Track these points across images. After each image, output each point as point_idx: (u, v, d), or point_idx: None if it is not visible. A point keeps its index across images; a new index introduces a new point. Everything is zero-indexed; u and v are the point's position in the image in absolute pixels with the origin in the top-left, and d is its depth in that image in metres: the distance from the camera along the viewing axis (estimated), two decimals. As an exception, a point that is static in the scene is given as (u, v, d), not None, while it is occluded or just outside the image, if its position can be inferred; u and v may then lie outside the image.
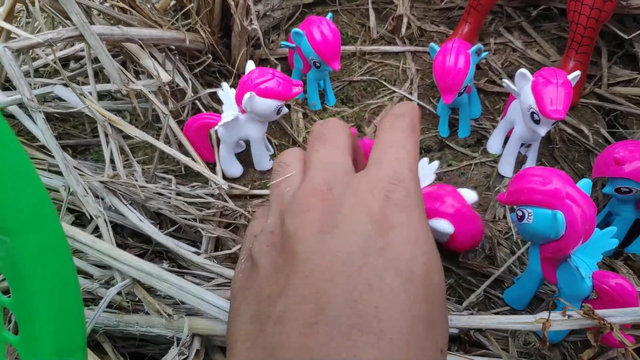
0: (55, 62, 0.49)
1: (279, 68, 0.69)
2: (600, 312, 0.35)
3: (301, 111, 0.64)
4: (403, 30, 0.71)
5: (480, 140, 0.60)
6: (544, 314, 0.34)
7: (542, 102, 0.44)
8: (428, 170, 0.47)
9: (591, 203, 0.36)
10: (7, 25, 0.38)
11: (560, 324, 0.35)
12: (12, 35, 0.57)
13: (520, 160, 0.55)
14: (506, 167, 0.54)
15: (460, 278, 0.47)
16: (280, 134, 0.62)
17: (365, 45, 0.72)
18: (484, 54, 0.54)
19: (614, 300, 0.37)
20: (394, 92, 0.66)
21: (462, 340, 0.40)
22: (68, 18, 0.47)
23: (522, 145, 0.53)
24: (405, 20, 0.71)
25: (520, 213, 0.38)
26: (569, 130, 0.58)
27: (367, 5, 0.77)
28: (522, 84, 0.47)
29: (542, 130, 0.46)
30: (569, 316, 0.35)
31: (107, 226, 0.48)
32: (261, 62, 0.72)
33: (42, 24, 0.43)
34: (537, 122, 0.46)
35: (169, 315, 0.41)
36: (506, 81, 0.50)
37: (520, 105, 0.47)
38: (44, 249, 0.25)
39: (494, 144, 0.56)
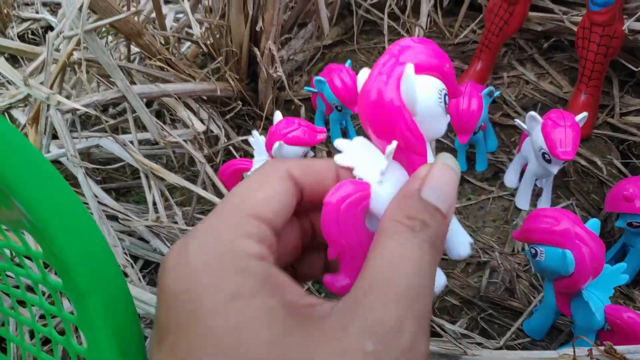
0: (103, 121, 0.54)
1: (302, 109, 0.74)
2: (622, 348, 0.37)
3: (325, 150, 0.68)
4: (419, 67, 0.75)
5: (497, 173, 0.62)
6: (567, 350, 0.37)
7: (552, 144, 0.47)
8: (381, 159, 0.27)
9: (599, 242, 0.39)
10: (60, 98, 0.43)
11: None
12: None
13: (537, 193, 0.58)
14: (523, 201, 0.56)
15: (483, 311, 0.50)
16: (307, 172, 0.66)
17: (384, 83, 0.76)
18: (496, 93, 0.57)
19: (627, 333, 0.39)
20: (413, 128, 0.69)
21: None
22: (109, 78, 0.52)
23: (536, 179, 0.56)
24: (420, 58, 0.75)
25: (533, 251, 0.41)
26: (583, 162, 0.60)
27: (383, 43, 0.81)
28: (533, 125, 0.50)
29: (554, 169, 0.49)
30: (596, 359, 0.36)
31: (137, 274, 0.52)
32: (286, 103, 0.76)
33: (87, 87, 0.48)
34: (549, 161, 0.49)
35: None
36: (518, 121, 0.53)
37: (532, 145, 0.50)
38: (114, 310, 0.29)
39: (510, 178, 0.59)
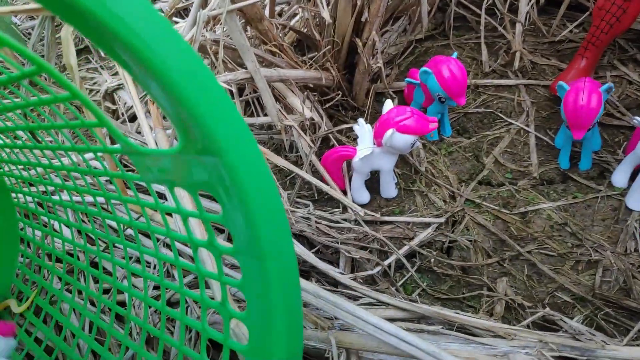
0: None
1: (396, 101, 0.74)
2: None
3: (420, 142, 0.69)
4: (516, 64, 0.74)
5: (602, 173, 0.61)
6: None
7: (685, 142, 0.46)
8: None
9: None
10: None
11: None
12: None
13: (648, 194, 0.56)
14: (636, 201, 0.55)
15: (597, 309, 0.49)
16: (402, 163, 0.67)
17: (478, 79, 0.75)
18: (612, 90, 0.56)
19: None
20: (511, 123, 0.69)
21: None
22: (239, 64, 0.54)
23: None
24: (518, 54, 0.74)
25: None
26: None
27: (474, 39, 0.81)
28: (660, 123, 0.49)
29: (681, 168, 0.48)
30: None
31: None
32: (377, 95, 0.77)
33: (220, 67, 0.50)
34: (677, 160, 0.48)
35: (328, 327, 0.46)
36: (637, 118, 0.52)
37: (658, 143, 0.49)
38: (286, 274, 0.30)
39: (619, 178, 0.58)
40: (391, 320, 0.46)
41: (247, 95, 0.73)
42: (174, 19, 0.88)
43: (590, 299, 0.50)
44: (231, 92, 0.62)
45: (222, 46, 0.48)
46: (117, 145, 0.34)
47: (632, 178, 0.57)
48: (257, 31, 0.56)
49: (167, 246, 0.57)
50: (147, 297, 0.41)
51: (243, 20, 0.55)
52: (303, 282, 0.49)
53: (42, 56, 0.73)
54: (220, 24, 0.46)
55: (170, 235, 0.37)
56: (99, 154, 0.37)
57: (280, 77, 0.55)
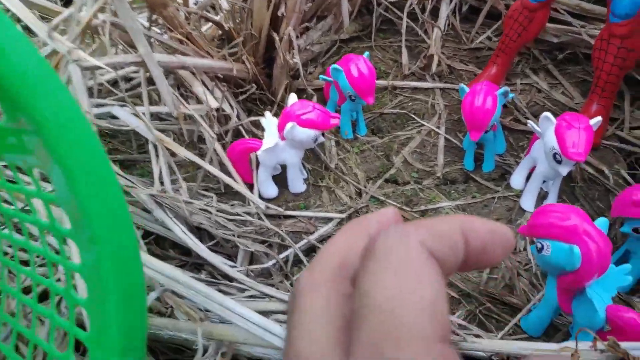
0: (122, 89, 0.54)
1: (315, 98, 0.74)
2: (624, 344, 0.37)
3: (334, 139, 0.69)
4: (434, 67, 0.76)
5: (503, 175, 0.63)
6: (569, 344, 0.37)
7: (565, 145, 0.47)
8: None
9: (607, 240, 0.39)
10: (81, 53, 0.43)
11: (587, 354, 0.37)
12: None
13: (542, 196, 0.58)
14: (528, 202, 0.57)
15: (481, 304, 0.50)
16: (314, 159, 0.67)
17: (397, 80, 0.76)
18: (510, 95, 0.57)
19: (626, 333, 0.39)
20: (423, 125, 0.70)
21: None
22: (133, 47, 0.52)
23: (544, 182, 0.56)
24: (435, 58, 0.76)
25: (539, 245, 0.41)
26: (590, 170, 0.60)
27: (399, 42, 0.82)
28: (547, 126, 0.50)
29: (564, 170, 0.50)
30: (601, 350, 0.37)
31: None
32: (299, 92, 0.76)
33: (109, 49, 0.48)
34: (559, 162, 0.49)
35: (201, 319, 0.45)
36: (530, 122, 0.53)
37: (544, 146, 0.51)
38: (122, 259, 0.29)
39: (516, 180, 0.59)
40: (272, 312, 0.45)
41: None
42: None
43: (475, 295, 0.50)
44: (126, 78, 0.60)
45: (108, 25, 0.46)
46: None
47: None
48: (161, 17, 0.54)
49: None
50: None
51: (146, 6, 0.53)
52: (175, 273, 0.47)
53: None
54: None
55: (19, 217, 0.35)
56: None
57: (182, 64, 0.54)
